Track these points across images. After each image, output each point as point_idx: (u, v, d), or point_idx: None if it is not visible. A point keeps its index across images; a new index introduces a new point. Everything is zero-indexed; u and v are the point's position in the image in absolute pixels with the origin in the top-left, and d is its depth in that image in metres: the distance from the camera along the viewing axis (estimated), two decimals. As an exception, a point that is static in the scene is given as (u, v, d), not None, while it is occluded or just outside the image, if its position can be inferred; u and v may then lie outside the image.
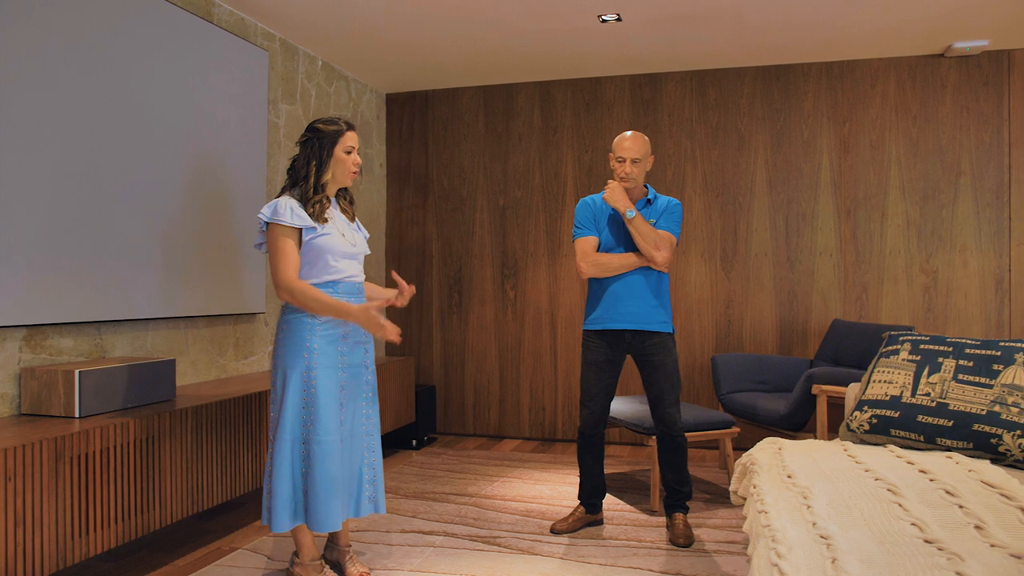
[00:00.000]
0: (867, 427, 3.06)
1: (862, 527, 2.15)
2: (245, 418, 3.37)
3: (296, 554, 2.85)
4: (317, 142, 2.78)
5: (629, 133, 3.34)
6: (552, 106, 5.37)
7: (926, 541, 2.01)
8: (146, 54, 3.39)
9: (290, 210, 2.67)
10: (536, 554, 3.17)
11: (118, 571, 3.00)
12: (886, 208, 4.82)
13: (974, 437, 2.81)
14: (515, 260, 5.42)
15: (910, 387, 3.04)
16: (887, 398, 3.07)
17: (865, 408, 3.09)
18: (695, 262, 5.11)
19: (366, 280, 3.06)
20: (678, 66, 5.07)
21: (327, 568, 2.86)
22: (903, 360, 3.17)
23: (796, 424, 3.92)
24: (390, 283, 5.74)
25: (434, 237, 5.62)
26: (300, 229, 2.69)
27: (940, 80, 4.75)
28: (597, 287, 3.38)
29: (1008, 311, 4.65)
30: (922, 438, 2.92)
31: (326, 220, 2.75)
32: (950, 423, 2.87)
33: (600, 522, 3.57)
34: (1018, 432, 2.73)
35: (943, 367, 3.04)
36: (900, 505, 2.29)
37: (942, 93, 4.75)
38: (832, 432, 3.69)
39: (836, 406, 3.74)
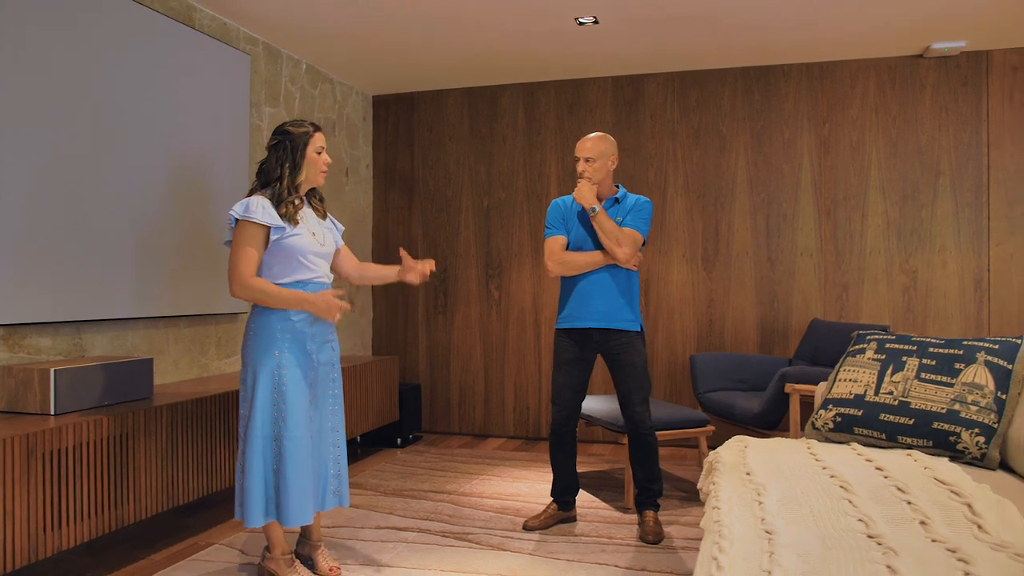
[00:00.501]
0: (831, 425, 3.09)
1: (809, 522, 2.19)
2: (222, 416, 3.43)
3: (267, 549, 2.90)
4: (289, 144, 2.83)
5: (595, 133, 3.41)
6: (536, 108, 5.42)
7: (869, 536, 2.04)
8: (127, 59, 3.45)
9: (262, 208, 2.73)
10: (506, 550, 3.22)
11: (96, 565, 3.06)
12: (866, 208, 4.85)
13: (934, 435, 2.84)
14: (499, 261, 5.47)
15: (874, 386, 3.08)
16: (851, 396, 3.10)
17: (830, 407, 3.13)
18: (677, 262, 5.15)
19: (364, 262, 3.17)
20: (660, 67, 5.11)
21: (297, 562, 2.91)
22: (868, 359, 3.21)
23: (770, 423, 3.96)
24: (377, 283, 5.80)
25: (420, 238, 5.68)
26: (268, 228, 2.75)
27: (919, 81, 4.78)
28: (567, 286, 3.43)
29: (987, 311, 4.67)
30: (884, 436, 2.96)
31: (298, 221, 2.81)
32: (911, 421, 2.90)
33: (573, 519, 3.61)
34: (976, 430, 2.77)
35: (907, 366, 3.07)
36: (850, 501, 2.33)
37: (921, 94, 4.78)
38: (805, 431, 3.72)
39: (809, 405, 3.77)
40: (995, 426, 2.77)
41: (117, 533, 3.40)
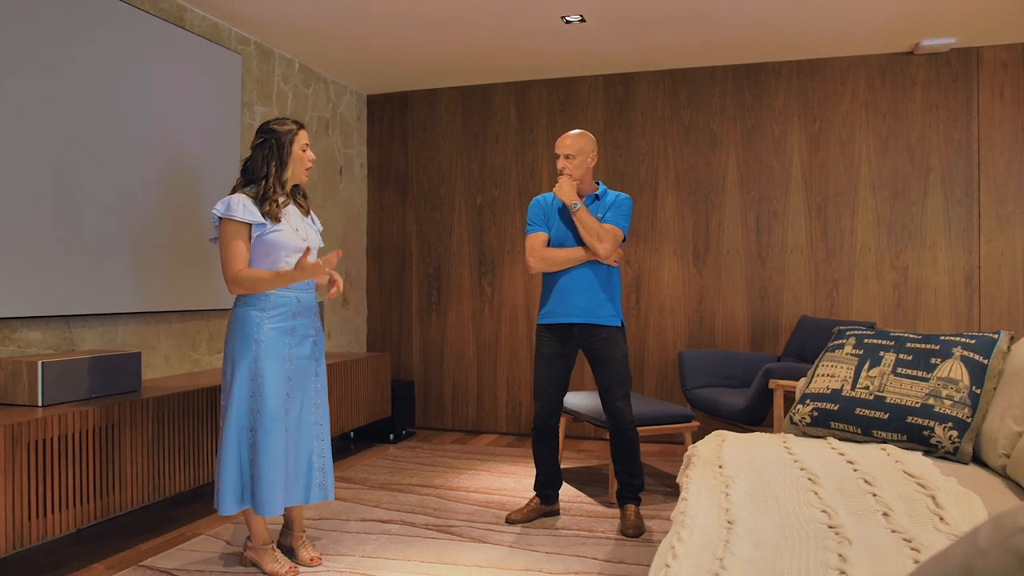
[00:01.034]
0: (809, 420, 3.12)
1: (772, 513, 2.21)
2: (209, 409, 3.48)
3: (249, 539, 2.96)
4: (275, 142, 2.89)
5: (575, 131, 3.45)
6: (528, 106, 5.46)
7: (829, 526, 2.07)
8: (119, 59, 3.51)
9: (243, 206, 2.79)
10: (486, 542, 3.26)
11: (84, 554, 3.12)
12: (856, 205, 4.86)
13: (908, 429, 2.86)
14: (492, 258, 5.51)
15: (850, 380, 3.10)
16: (828, 391, 3.13)
17: (807, 401, 3.16)
18: (667, 259, 5.17)
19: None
20: (650, 66, 5.14)
21: (278, 552, 2.96)
22: (846, 354, 3.23)
23: (755, 418, 3.98)
24: (371, 279, 5.84)
25: (413, 235, 5.72)
26: (250, 225, 2.81)
27: (910, 77, 4.79)
28: (548, 282, 3.47)
29: (978, 307, 4.68)
30: (859, 430, 2.98)
31: (280, 219, 2.86)
32: (886, 416, 2.93)
33: (556, 513, 3.65)
34: (949, 424, 2.79)
35: (883, 361, 3.09)
36: (816, 493, 2.35)
37: (912, 90, 4.79)
38: (788, 426, 3.75)
39: (793, 400, 3.80)
40: (968, 420, 2.79)
41: (106, 524, 3.47)
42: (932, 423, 2.81)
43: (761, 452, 2.87)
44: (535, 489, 3.62)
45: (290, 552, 3.05)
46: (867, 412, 2.97)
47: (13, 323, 3.12)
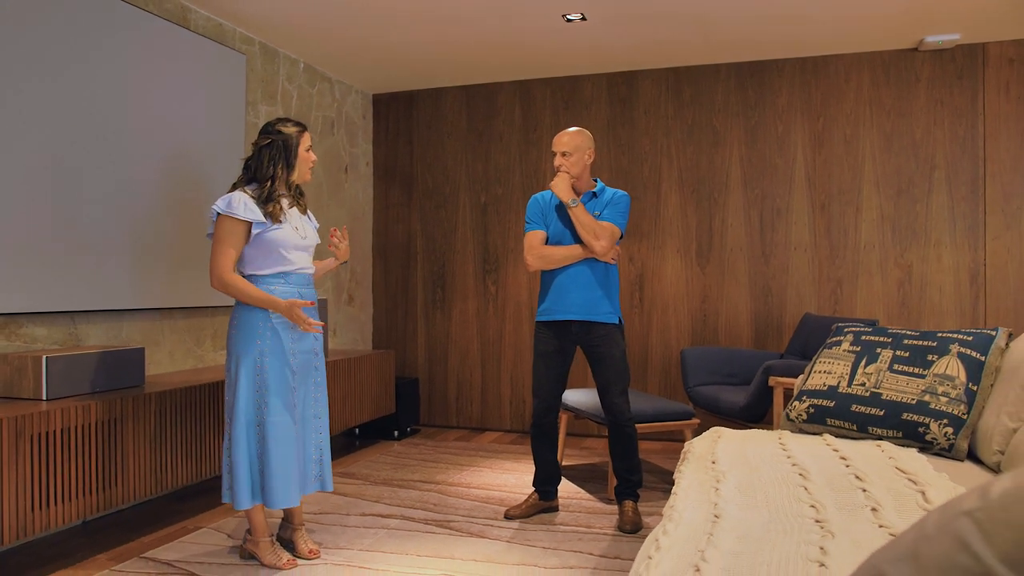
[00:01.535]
0: (805, 416, 3.12)
1: (761, 508, 2.23)
2: (212, 404, 3.53)
3: (249, 531, 3.00)
4: (282, 143, 2.94)
5: (572, 128, 3.47)
6: (532, 105, 5.48)
7: (816, 520, 2.08)
8: (124, 60, 3.56)
9: (243, 204, 2.83)
10: (484, 537, 3.28)
11: (88, 546, 3.17)
12: (860, 203, 4.84)
13: (903, 426, 2.86)
14: (496, 256, 5.54)
15: (847, 377, 3.10)
16: (825, 388, 3.13)
17: (804, 398, 3.16)
18: (671, 257, 5.18)
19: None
20: (653, 64, 5.15)
21: (278, 545, 3.00)
22: (844, 351, 3.23)
23: (755, 416, 3.98)
24: (377, 277, 5.88)
25: (418, 234, 5.76)
26: (250, 223, 2.85)
27: (914, 74, 4.77)
28: (546, 279, 3.49)
29: (983, 305, 4.65)
30: (855, 427, 2.98)
31: (281, 220, 2.90)
32: (881, 412, 2.92)
33: (555, 509, 3.66)
34: (945, 421, 2.78)
35: (880, 357, 3.09)
36: (805, 488, 2.36)
37: (916, 87, 4.77)
38: (787, 423, 3.75)
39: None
40: (964, 417, 2.78)
41: (111, 516, 3.52)
42: (927, 420, 2.81)
43: (755, 448, 2.88)
44: (534, 485, 3.64)
45: (289, 545, 3.09)
46: (863, 409, 2.97)
47: (19, 319, 3.18)
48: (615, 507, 3.69)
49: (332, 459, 4.62)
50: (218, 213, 2.84)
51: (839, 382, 3.11)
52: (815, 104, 4.93)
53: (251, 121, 4.43)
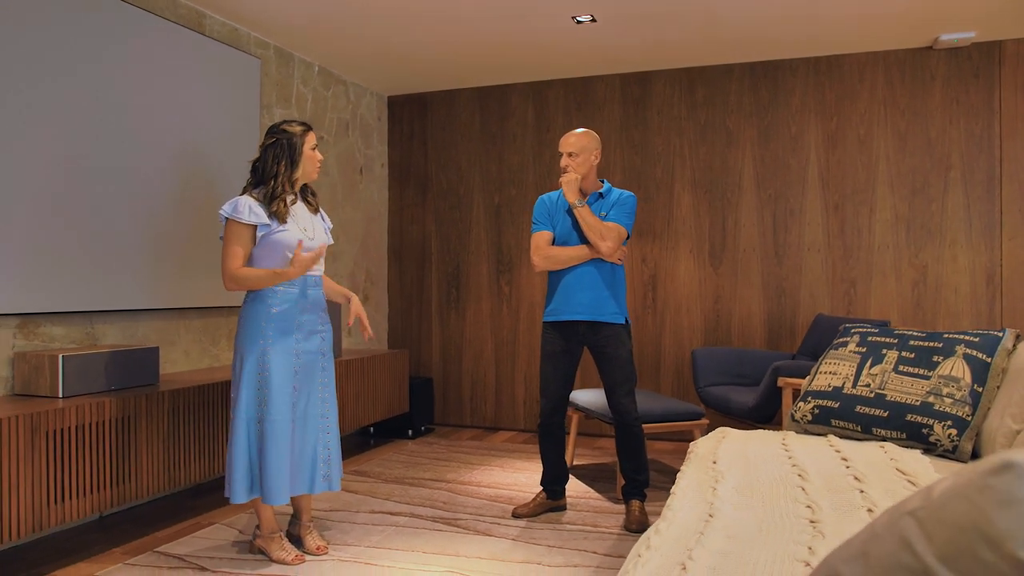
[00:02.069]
0: (810, 417, 3.12)
1: (756, 508, 2.24)
2: (225, 403, 3.59)
3: (258, 527, 3.06)
4: (286, 143, 3.00)
5: (579, 130, 3.49)
6: (545, 106, 5.50)
7: (811, 521, 2.09)
8: (140, 65, 3.64)
9: (248, 208, 2.89)
10: (491, 535, 3.32)
11: (103, 540, 3.25)
12: (874, 203, 4.81)
13: (907, 427, 2.85)
14: (510, 256, 5.57)
15: (852, 378, 3.10)
16: (829, 389, 3.12)
17: (809, 399, 3.16)
18: (684, 257, 5.18)
19: (325, 274, 3.28)
20: (666, 64, 5.15)
21: (285, 540, 3.05)
22: (850, 352, 3.22)
23: (765, 416, 3.97)
24: (392, 278, 5.94)
25: (433, 234, 5.81)
26: (255, 226, 2.91)
27: (929, 73, 4.73)
28: (553, 280, 3.51)
29: (1000, 306, 4.60)
30: (859, 428, 2.98)
31: (287, 219, 2.96)
32: (885, 414, 2.92)
33: (563, 508, 3.69)
34: (948, 423, 2.77)
35: (886, 358, 3.08)
36: (803, 489, 2.37)
37: (931, 86, 4.72)
38: (795, 424, 3.74)
39: (802, 398, 3.79)
40: (968, 419, 2.77)
41: (127, 512, 3.61)
42: (931, 421, 2.80)
43: (756, 449, 2.88)
44: (542, 484, 3.67)
45: (298, 541, 3.14)
46: (867, 410, 2.96)
47: (37, 318, 3.27)
48: (623, 507, 3.71)
49: (346, 457, 4.70)
50: (226, 217, 2.91)
51: (844, 383, 3.10)
52: (829, 104, 4.90)
53: (265, 124, 4.50)
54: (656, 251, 5.22)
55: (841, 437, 3.02)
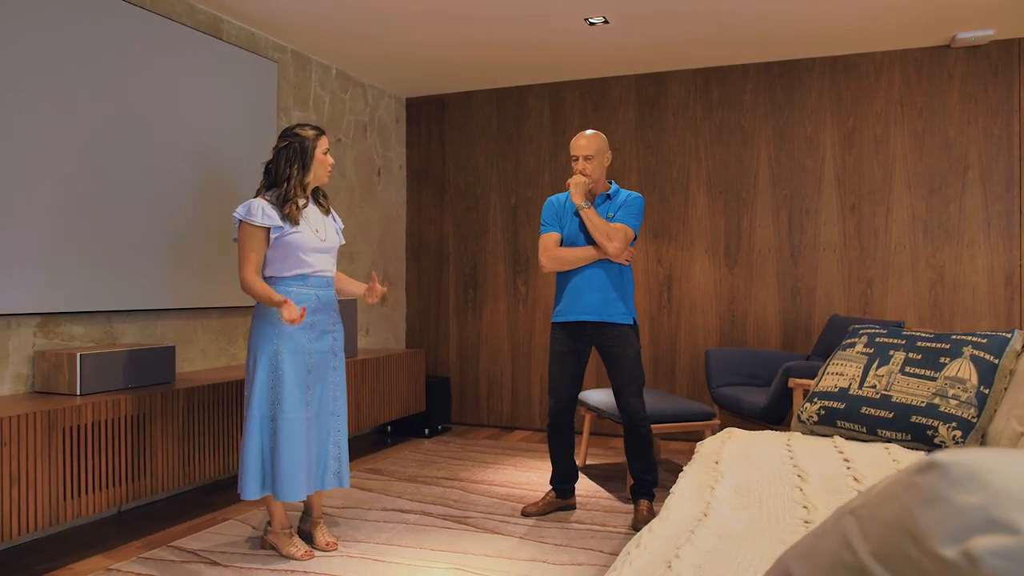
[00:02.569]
0: (816, 418, 3.12)
1: (752, 508, 2.25)
2: (240, 401, 3.67)
3: (269, 523, 3.13)
4: (298, 146, 3.06)
5: (588, 131, 3.49)
6: (561, 107, 5.53)
7: (805, 521, 2.10)
8: (159, 70, 3.73)
9: (261, 211, 2.95)
10: (499, 533, 3.35)
11: (121, 534, 3.34)
12: (891, 203, 4.77)
13: (912, 429, 2.84)
14: (526, 257, 5.60)
15: (858, 379, 3.09)
16: (836, 390, 3.12)
17: (815, 400, 3.15)
18: (699, 258, 5.17)
19: (341, 272, 3.33)
20: (681, 65, 5.15)
21: (296, 536, 3.12)
22: (857, 353, 3.21)
23: (776, 417, 3.97)
24: (410, 278, 6.00)
25: (450, 235, 5.86)
26: (268, 228, 2.97)
27: (947, 71, 4.68)
28: (561, 281, 3.54)
29: (1019, 307, 4.54)
30: (865, 429, 2.97)
31: (299, 221, 3.02)
32: (891, 415, 2.91)
33: (572, 507, 3.71)
34: (953, 424, 2.76)
35: (892, 359, 3.07)
36: (801, 490, 2.38)
37: (949, 85, 4.67)
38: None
39: (813, 400, 3.77)
40: (974, 420, 2.75)
41: (145, 507, 3.70)
42: (936, 423, 2.78)
43: (760, 450, 2.89)
44: (551, 483, 3.70)
45: (308, 537, 3.20)
46: (872, 411, 2.95)
47: (57, 318, 3.37)
48: (632, 506, 3.72)
49: (362, 455, 4.77)
50: (240, 220, 2.97)
51: (850, 384, 3.09)
52: (845, 103, 4.87)
53: (283, 126, 4.58)
54: (672, 252, 5.22)
55: (847, 438, 3.02)
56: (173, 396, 3.34)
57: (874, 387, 3.02)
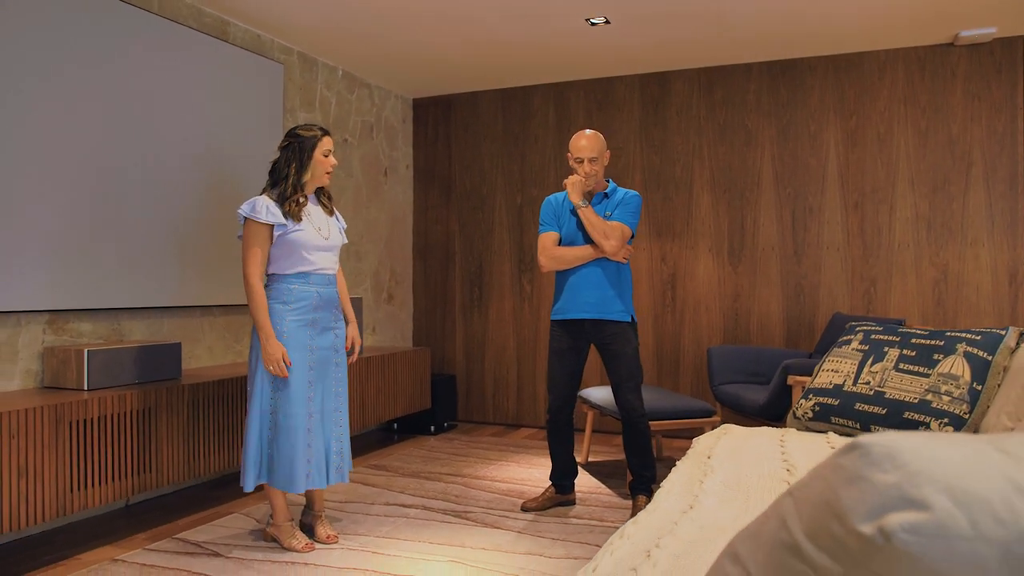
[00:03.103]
0: (810, 415, 3.14)
1: (738, 502, 2.29)
2: (244, 397, 3.74)
3: (271, 516, 3.19)
4: (298, 146, 3.12)
5: (587, 132, 3.53)
6: (566, 107, 5.57)
7: (789, 515, 2.13)
8: (166, 72, 3.81)
9: (265, 208, 3.02)
10: (498, 527, 3.40)
11: (129, 526, 3.41)
12: (894, 201, 4.77)
13: (904, 425, 2.86)
14: (532, 256, 5.65)
15: (853, 376, 3.11)
16: (830, 386, 3.14)
17: (810, 396, 3.18)
18: (703, 256, 5.19)
19: (341, 282, 3.39)
20: (685, 64, 5.17)
21: (297, 529, 3.18)
22: (852, 349, 3.23)
23: (776, 414, 3.98)
24: (417, 277, 6.06)
25: (456, 234, 5.91)
26: (272, 225, 3.04)
27: (950, 69, 4.67)
28: (560, 280, 3.58)
29: (1023, 305, 4.53)
30: (859, 425, 2.99)
31: (301, 218, 3.08)
32: (884, 411, 2.93)
33: (572, 502, 3.75)
34: (945, 420, 2.77)
35: (887, 356, 3.09)
36: (788, 484, 2.40)
37: (952, 82, 4.67)
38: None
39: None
40: (966, 417, 2.76)
41: (153, 500, 3.77)
42: (928, 419, 2.80)
43: (754, 445, 2.91)
44: (551, 479, 3.74)
45: (309, 530, 3.26)
46: (866, 407, 2.97)
47: (66, 315, 3.45)
48: (631, 502, 3.76)
49: (368, 452, 4.83)
50: (244, 217, 3.04)
51: (845, 380, 3.11)
52: (848, 102, 4.87)
53: (289, 127, 4.65)
54: (675, 250, 5.25)
55: (841, 435, 3.04)
56: (179, 392, 3.41)
57: (868, 383, 3.04)
